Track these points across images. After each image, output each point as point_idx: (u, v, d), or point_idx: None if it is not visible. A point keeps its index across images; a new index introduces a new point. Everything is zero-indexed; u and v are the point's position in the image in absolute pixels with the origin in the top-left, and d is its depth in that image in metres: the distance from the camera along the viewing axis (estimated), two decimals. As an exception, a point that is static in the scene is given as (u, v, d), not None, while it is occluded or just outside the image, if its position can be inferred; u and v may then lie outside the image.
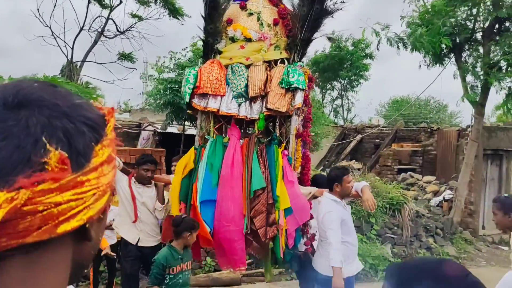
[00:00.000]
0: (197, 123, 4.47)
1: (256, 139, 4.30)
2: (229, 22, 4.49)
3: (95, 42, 12.46)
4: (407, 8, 19.77)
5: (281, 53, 4.48)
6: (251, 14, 4.52)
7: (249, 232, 4.10)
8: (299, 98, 4.22)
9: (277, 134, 4.34)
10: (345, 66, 28.99)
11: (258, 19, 4.50)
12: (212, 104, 4.24)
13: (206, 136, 4.34)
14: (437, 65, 10.51)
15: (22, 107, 0.54)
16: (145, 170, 4.67)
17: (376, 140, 15.73)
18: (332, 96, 32.75)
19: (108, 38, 12.71)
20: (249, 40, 4.42)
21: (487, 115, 13.76)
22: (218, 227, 4.04)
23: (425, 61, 10.38)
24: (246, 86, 4.23)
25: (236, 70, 4.30)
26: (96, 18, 12.37)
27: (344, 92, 31.53)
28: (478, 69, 9.69)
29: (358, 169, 14.56)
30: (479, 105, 10.00)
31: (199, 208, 4.06)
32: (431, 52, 9.72)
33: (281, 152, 4.21)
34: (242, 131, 4.64)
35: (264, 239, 4.08)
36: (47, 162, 0.50)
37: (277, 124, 4.39)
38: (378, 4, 54.57)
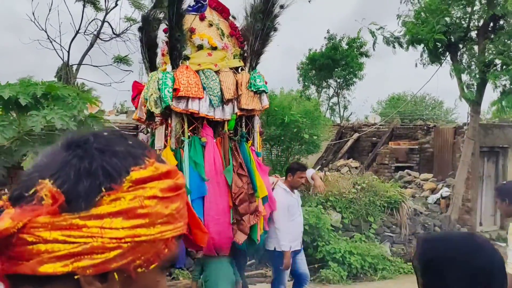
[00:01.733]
0: (170, 126, 4.60)
1: (228, 137, 4.82)
2: (193, 31, 4.79)
3: (91, 45, 12.47)
4: (403, 7, 19.75)
5: (239, 61, 5.04)
6: (211, 25, 4.95)
7: (234, 222, 4.56)
8: (265, 100, 4.97)
9: (245, 132, 4.90)
10: (340, 64, 29.12)
11: (219, 29, 4.99)
12: (193, 106, 4.51)
13: (182, 138, 4.61)
14: (434, 64, 10.56)
15: (69, 146, 0.57)
16: None
17: (373, 139, 15.79)
18: (328, 95, 32.81)
19: (104, 41, 12.73)
20: (214, 48, 4.85)
21: (482, 111, 13.81)
22: (208, 221, 4.34)
23: (421, 60, 10.44)
24: (220, 90, 4.66)
25: (208, 75, 4.68)
26: (91, 21, 12.39)
27: (340, 91, 31.60)
28: (474, 67, 9.76)
29: (356, 168, 14.62)
30: (475, 103, 10.07)
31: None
32: (428, 47, 9.78)
33: (249, 148, 4.84)
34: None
35: (248, 225, 4.57)
36: (42, 195, 0.51)
37: (243, 123, 4.92)
38: (374, 1, 54.72)
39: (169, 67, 4.66)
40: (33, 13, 11.90)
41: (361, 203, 8.94)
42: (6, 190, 4.88)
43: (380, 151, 13.98)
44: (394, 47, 10.44)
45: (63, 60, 12.43)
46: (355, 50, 28.49)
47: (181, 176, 0.61)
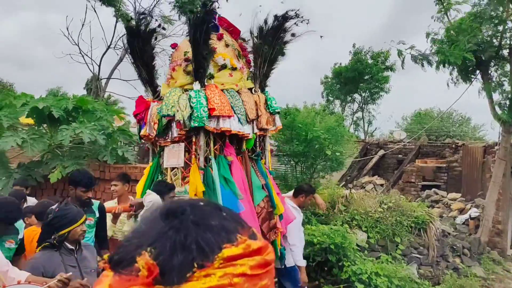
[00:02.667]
0: (198, 145, 4.61)
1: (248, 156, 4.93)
2: (214, 50, 4.83)
3: (121, 60, 12.72)
4: (433, 24, 19.54)
5: (251, 82, 5.15)
6: (227, 45, 5.02)
7: None
8: (278, 121, 5.22)
9: (260, 151, 5.03)
10: (365, 78, 28.91)
11: (235, 50, 5.07)
12: (224, 125, 4.56)
13: (209, 157, 4.65)
14: (464, 82, 10.38)
15: (167, 216, 0.58)
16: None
17: (399, 156, 15.54)
18: (353, 109, 32.58)
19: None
20: (234, 69, 4.94)
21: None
22: None
23: (452, 79, 10.27)
24: (244, 109, 4.76)
25: (233, 95, 4.76)
26: (122, 36, 12.63)
27: (364, 105, 31.33)
28: (506, 86, 9.53)
29: (381, 185, 14.40)
30: (507, 123, 9.81)
31: None
32: (457, 67, 9.63)
33: (264, 166, 5.00)
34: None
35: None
36: (139, 266, 0.52)
37: (256, 143, 5.07)
38: (403, 15, 54.39)
39: (196, 85, 4.66)
40: (67, 28, 12.24)
41: (387, 222, 8.75)
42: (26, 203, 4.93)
43: (406, 169, 13.73)
44: (422, 65, 10.32)
45: (93, 73, 12.72)
46: (380, 63, 28.27)
47: (270, 251, 0.61)
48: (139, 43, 4.94)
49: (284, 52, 5.31)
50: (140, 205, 3.82)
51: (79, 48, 12.29)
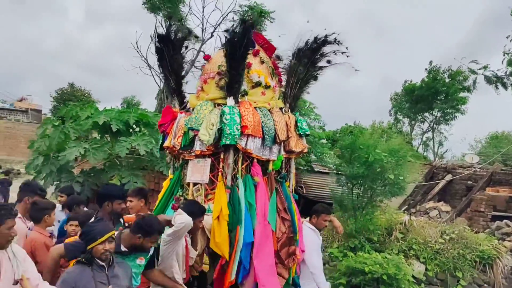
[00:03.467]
0: (227, 163, 4.44)
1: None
2: (249, 66, 4.70)
3: (186, 73, 13.18)
4: (503, 42, 18.33)
5: (282, 102, 5.02)
6: (262, 62, 4.87)
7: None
8: (305, 142, 5.05)
9: (286, 173, 4.89)
10: (440, 98, 27.64)
11: (269, 67, 4.91)
12: (250, 145, 4.46)
13: (237, 176, 4.50)
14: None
15: None
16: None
17: (468, 182, 14.61)
18: (422, 129, 31.28)
19: (198, 68, 13.40)
20: (268, 87, 4.81)
21: None
22: (257, 264, 4.22)
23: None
24: (274, 130, 4.62)
25: (265, 114, 4.65)
26: (188, 50, 13.09)
27: (435, 125, 29.93)
28: None
29: (447, 212, 13.60)
30: None
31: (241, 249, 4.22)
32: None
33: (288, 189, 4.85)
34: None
35: (287, 270, 4.52)
36: None
37: (283, 164, 4.88)
38: (483, 33, 51.70)
39: (230, 101, 4.53)
40: (136, 42, 12.93)
41: (448, 255, 8.23)
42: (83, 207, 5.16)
43: (476, 196, 12.85)
44: (496, 87, 9.70)
45: (159, 86, 13.29)
46: (458, 83, 26.92)
47: None
48: (169, 50, 4.85)
49: (317, 76, 5.16)
50: (167, 223, 3.67)
51: (147, 61, 12.90)
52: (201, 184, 4.55)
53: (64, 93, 33.62)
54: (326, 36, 4.92)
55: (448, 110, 28.11)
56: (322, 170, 13.45)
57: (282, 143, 4.74)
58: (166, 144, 4.74)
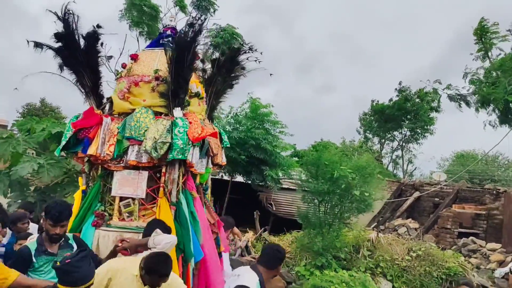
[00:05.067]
0: (171, 177, 4.14)
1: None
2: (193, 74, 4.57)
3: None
4: (470, 64, 18.93)
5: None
6: (196, 71, 4.73)
7: None
8: (224, 156, 4.92)
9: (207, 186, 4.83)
10: (409, 117, 28.19)
11: (199, 77, 4.79)
12: (191, 158, 4.18)
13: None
14: (504, 125, 9.82)
15: None
16: None
17: (436, 199, 14.77)
18: (392, 147, 31.74)
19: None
20: (202, 98, 4.68)
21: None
22: (213, 280, 4.15)
23: (490, 121, 9.74)
24: (208, 143, 4.45)
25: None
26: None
27: (405, 144, 30.43)
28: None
29: (415, 229, 13.66)
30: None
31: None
32: (498, 108, 9.14)
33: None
34: None
35: None
36: None
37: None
38: (453, 55, 53.51)
39: (178, 112, 4.24)
40: (105, 56, 12.64)
41: (415, 272, 8.18)
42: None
43: (443, 213, 12.97)
44: (460, 105, 9.88)
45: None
46: (426, 104, 27.55)
47: None
48: (84, 45, 4.38)
49: (232, 85, 5.12)
50: (143, 247, 3.24)
51: (115, 75, 12.59)
52: (132, 199, 4.17)
53: (32, 108, 32.70)
54: (242, 45, 4.98)
55: (418, 130, 28.65)
56: (292, 187, 13.37)
57: (209, 156, 4.58)
58: (90, 152, 4.12)
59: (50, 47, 4.39)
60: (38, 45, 4.40)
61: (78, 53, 4.36)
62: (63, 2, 4.27)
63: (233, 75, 5.02)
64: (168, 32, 4.76)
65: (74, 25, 4.34)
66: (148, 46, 4.81)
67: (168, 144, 4.03)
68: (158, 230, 3.31)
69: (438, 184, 15.35)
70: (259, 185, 12.67)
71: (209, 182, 4.95)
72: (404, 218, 14.82)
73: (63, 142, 4.21)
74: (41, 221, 3.73)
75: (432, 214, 14.21)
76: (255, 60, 4.91)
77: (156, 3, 12.35)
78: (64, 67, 4.49)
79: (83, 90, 4.51)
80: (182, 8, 12.59)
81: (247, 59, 4.92)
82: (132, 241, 3.30)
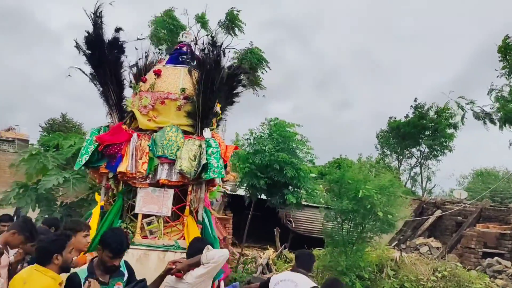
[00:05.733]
0: (197, 196, 4.26)
1: None
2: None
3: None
4: (492, 80, 18.78)
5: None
6: None
7: None
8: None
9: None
10: (427, 134, 27.90)
11: None
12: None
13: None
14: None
15: None
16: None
17: (458, 218, 14.50)
18: (410, 164, 31.38)
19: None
20: (220, 118, 4.94)
21: None
22: None
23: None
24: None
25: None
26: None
27: (423, 161, 30.06)
28: None
29: (437, 248, 13.40)
30: None
31: None
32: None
33: None
34: None
35: None
36: None
37: None
38: (474, 71, 53.09)
39: (207, 133, 4.31)
40: (129, 73, 12.86)
41: (441, 293, 8.02)
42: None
43: (466, 233, 12.71)
44: (485, 123, 9.77)
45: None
46: (444, 120, 27.24)
47: None
48: (113, 57, 4.35)
49: (233, 102, 5.11)
50: (195, 265, 3.18)
51: (133, 89, 12.78)
52: (156, 217, 4.17)
53: (55, 123, 33.29)
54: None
55: (436, 147, 28.30)
56: (311, 205, 13.27)
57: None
58: (121, 169, 4.08)
59: (84, 53, 4.38)
60: (77, 47, 4.38)
61: (106, 64, 4.36)
62: (93, 9, 4.29)
63: (234, 92, 5.01)
64: (185, 48, 4.80)
65: (102, 32, 4.34)
66: (168, 62, 4.78)
67: (200, 163, 4.07)
68: (209, 246, 3.30)
69: (460, 202, 15.09)
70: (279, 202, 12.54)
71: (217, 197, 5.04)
72: (426, 237, 14.57)
73: (86, 156, 4.13)
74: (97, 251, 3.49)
75: (454, 233, 13.94)
76: (247, 85, 5.06)
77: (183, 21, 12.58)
78: (94, 77, 4.46)
79: (107, 103, 4.46)
80: (203, 24, 12.73)
81: (248, 78, 5.07)
82: (184, 262, 3.25)
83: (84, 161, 4.13)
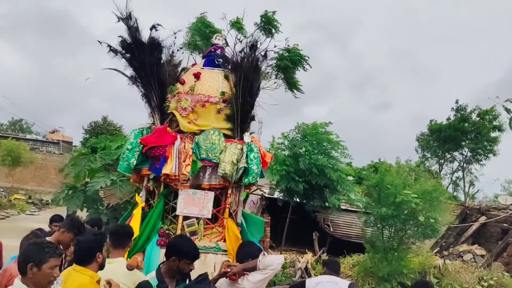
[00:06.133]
0: (236, 199, 4.40)
1: None
2: None
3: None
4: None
5: None
6: None
7: None
8: None
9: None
10: (469, 137, 27.04)
11: None
12: None
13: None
14: None
15: None
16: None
17: (504, 224, 13.95)
18: (452, 168, 30.44)
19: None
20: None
21: None
22: None
23: None
24: None
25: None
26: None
27: (466, 165, 29.08)
28: None
29: (482, 256, 12.94)
30: None
31: None
32: None
33: None
34: None
35: None
36: None
37: None
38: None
39: (247, 138, 4.38)
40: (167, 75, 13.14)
41: (487, 303, 7.77)
42: None
43: (513, 240, 12.23)
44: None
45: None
46: (488, 123, 26.29)
47: None
48: (154, 58, 4.40)
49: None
50: (250, 270, 3.23)
51: (170, 91, 13.03)
52: (196, 219, 4.23)
53: (97, 126, 34.41)
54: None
55: (479, 150, 27.33)
56: (350, 208, 13.13)
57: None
58: (165, 171, 4.13)
59: (123, 56, 4.46)
60: (113, 50, 4.48)
61: (147, 65, 4.40)
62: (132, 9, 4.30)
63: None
64: (219, 51, 4.84)
65: (140, 35, 4.36)
66: (205, 65, 4.80)
67: (243, 168, 4.16)
68: (265, 252, 3.37)
69: (506, 208, 14.52)
70: (318, 205, 12.46)
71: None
72: (470, 244, 14.09)
73: (133, 160, 4.15)
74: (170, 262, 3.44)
75: (500, 240, 13.42)
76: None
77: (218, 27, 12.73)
78: (135, 79, 4.52)
79: (149, 105, 4.53)
80: (239, 29, 12.81)
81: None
82: (239, 266, 3.30)
83: (132, 165, 4.18)
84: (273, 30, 12.10)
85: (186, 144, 4.26)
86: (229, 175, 4.13)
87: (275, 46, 11.87)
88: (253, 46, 4.43)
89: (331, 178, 10.87)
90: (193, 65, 4.99)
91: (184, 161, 4.17)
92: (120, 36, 4.39)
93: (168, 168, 4.13)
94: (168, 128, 4.34)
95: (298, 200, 12.37)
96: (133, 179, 4.48)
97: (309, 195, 11.79)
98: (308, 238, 12.54)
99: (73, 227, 3.69)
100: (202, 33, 11.67)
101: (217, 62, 4.72)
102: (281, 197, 12.94)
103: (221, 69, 4.65)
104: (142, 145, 4.17)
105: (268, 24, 11.94)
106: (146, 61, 4.37)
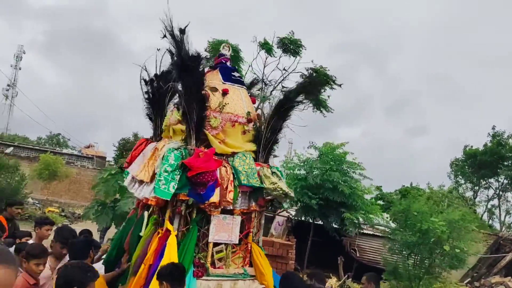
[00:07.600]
0: (260, 223, 4.38)
1: None
2: None
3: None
4: None
5: None
6: None
7: None
8: None
9: None
10: (506, 163, 26.22)
11: None
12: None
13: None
14: None
15: None
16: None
17: (540, 257, 13.39)
18: (487, 195, 29.44)
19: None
20: None
21: None
22: None
23: None
24: None
25: None
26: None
27: (502, 192, 28.08)
28: None
29: (515, 289, 12.43)
30: None
31: None
32: None
33: None
34: None
35: None
36: None
37: None
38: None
39: (277, 162, 4.56)
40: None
41: None
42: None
43: (548, 274, 11.71)
44: None
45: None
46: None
47: None
48: (194, 78, 4.07)
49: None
50: None
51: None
52: (225, 245, 4.07)
53: (127, 143, 35.22)
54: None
55: (516, 177, 26.43)
56: (377, 234, 12.93)
57: None
58: (214, 199, 3.88)
59: (170, 72, 4.38)
60: (161, 76, 4.52)
61: (193, 85, 4.07)
62: (176, 25, 4.09)
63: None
64: (229, 63, 4.70)
65: (186, 53, 4.07)
66: (224, 80, 4.49)
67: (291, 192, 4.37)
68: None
69: (542, 240, 13.94)
70: (336, 228, 12.33)
71: None
72: (503, 276, 13.55)
73: (174, 184, 3.79)
74: None
75: (536, 273, 12.87)
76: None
77: (237, 43, 13.06)
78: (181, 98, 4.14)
79: (188, 125, 4.11)
80: (269, 50, 13.04)
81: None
82: None
83: (172, 189, 3.79)
84: (299, 50, 12.40)
85: (228, 169, 4.05)
86: (291, 196, 4.26)
87: (301, 69, 12.10)
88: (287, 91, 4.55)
89: (344, 194, 10.83)
90: (207, 72, 4.60)
91: (227, 187, 3.97)
92: (171, 56, 4.20)
93: (216, 196, 3.90)
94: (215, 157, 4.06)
95: (315, 219, 12.32)
96: (156, 202, 3.98)
97: (324, 213, 11.77)
98: (334, 263, 12.40)
99: (59, 236, 3.98)
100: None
101: (233, 78, 4.55)
102: (294, 212, 12.98)
103: (241, 85, 4.54)
104: (183, 168, 3.84)
105: (294, 45, 12.25)
106: (192, 81, 4.07)
